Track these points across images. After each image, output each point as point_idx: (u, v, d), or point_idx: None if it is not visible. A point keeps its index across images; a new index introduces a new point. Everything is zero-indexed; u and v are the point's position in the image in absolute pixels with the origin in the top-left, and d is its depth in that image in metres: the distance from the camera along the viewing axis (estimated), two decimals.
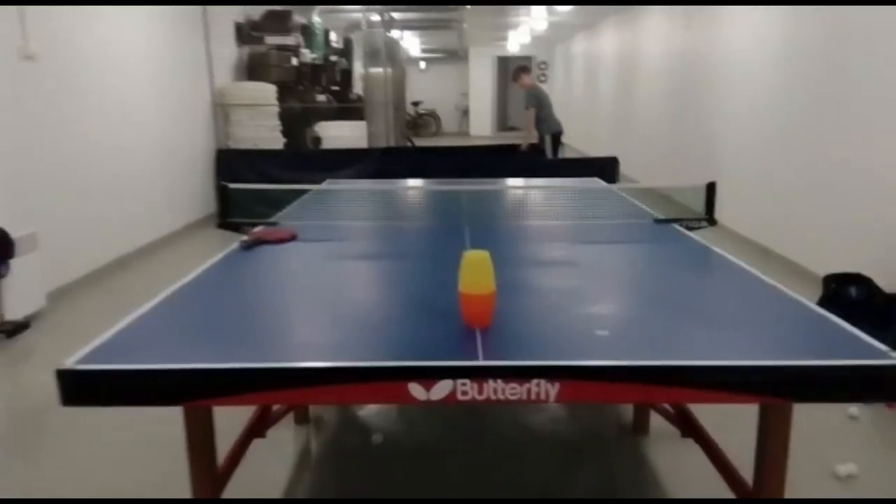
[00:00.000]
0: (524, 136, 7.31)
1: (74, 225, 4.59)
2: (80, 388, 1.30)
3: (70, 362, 1.29)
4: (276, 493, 2.29)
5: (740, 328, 1.50)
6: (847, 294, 3.41)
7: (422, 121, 17.64)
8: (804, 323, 1.55)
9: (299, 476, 2.42)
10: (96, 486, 2.33)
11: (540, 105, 7.19)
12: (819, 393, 1.34)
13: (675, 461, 2.40)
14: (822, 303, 3.40)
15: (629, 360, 1.31)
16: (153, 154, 5.86)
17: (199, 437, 1.59)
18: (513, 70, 7.89)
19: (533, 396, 1.30)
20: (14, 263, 3.72)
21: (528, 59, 17.18)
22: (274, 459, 2.48)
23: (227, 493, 1.73)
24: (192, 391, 1.31)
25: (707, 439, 1.93)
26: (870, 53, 4.02)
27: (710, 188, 2.66)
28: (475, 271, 1.47)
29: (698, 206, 2.64)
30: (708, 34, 6.77)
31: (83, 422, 2.71)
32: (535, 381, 1.29)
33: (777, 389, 1.32)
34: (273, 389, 1.32)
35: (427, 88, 18.05)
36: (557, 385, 1.29)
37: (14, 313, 3.75)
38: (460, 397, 1.30)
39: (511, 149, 7.32)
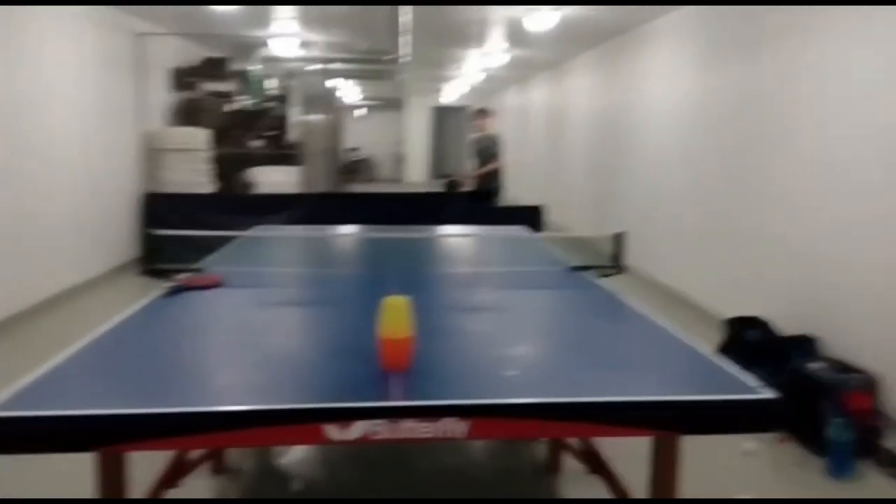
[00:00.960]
0: (478, 175, 6.91)
1: None
2: None
3: None
4: None
5: (634, 368, 1.65)
6: (746, 336, 3.68)
7: (358, 167, 17.80)
8: (691, 363, 1.71)
9: None
10: None
11: (498, 156, 6.89)
12: (701, 426, 1.48)
13: (584, 495, 2.50)
14: (724, 344, 3.66)
15: (532, 398, 1.42)
16: (74, 197, 5.70)
17: (111, 487, 1.57)
18: (476, 110, 7.25)
19: (445, 434, 1.38)
20: None
21: (463, 109, 17.73)
22: None
23: None
24: (105, 437, 1.32)
25: (611, 474, 2.05)
26: (772, 118, 4.44)
27: (618, 238, 2.87)
28: (394, 316, 1.56)
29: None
30: (626, 89, 7.27)
31: None
32: (446, 419, 1.37)
33: (664, 423, 1.45)
34: (188, 434, 1.35)
35: (364, 135, 18.29)
36: (468, 422, 1.38)
37: None
38: (375, 437, 1.36)
39: (443, 196, 7.52)
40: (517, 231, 3.86)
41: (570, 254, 2.99)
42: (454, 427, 1.38)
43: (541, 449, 2.84)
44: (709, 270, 5.17)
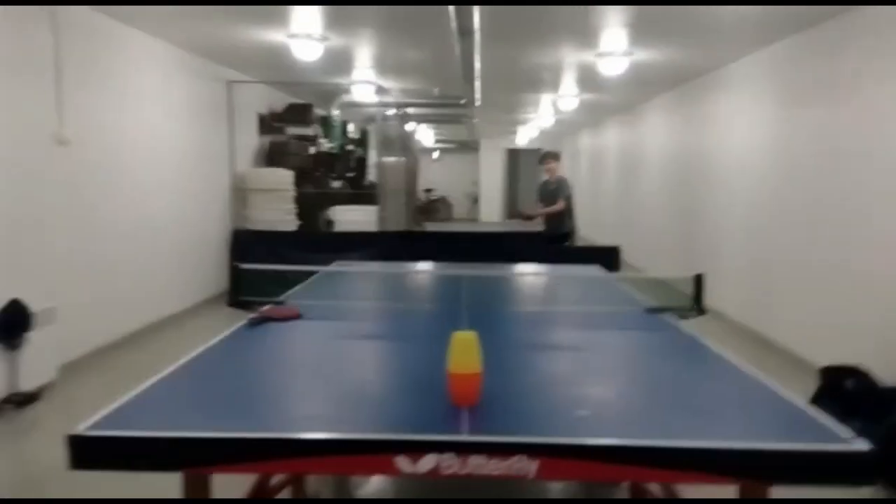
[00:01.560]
0: (540, 213, 6.86)
1: (90, 300, 4.75)
2: (88, 452, 1.39)
3: (80, 428, 1.39)
4: None
5: (717, 413, 1.58)
6: (844, 386, 3.43)
7: (433, 206, 18.10)
8: (778, 410, 1.62)
9: None
10: None
11: (571, 198, 6.75)
12: (790, 476, 1.39)
13: None
14: (819, 394, 3.42)
15: (606, 440, 1.39)
16: (171, 234, 6.11)
17: None
18: (544, 154, 7.05)
19: (514, 472, 1.37)
20: (30, 335, 3.85)
21: (536, 151, 17.80)
22: None
23: None
24: (191, 458, 1.40)
25: None
26: (860, 152, 4.23)
27: (698, 279, 2.78)
28: (462, 351, 1.57)
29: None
30: (704, 131, 7.10)
31: (85, 492, 2.74)
32: (515, 456, 1.36)
33: (752, 471, 1.38)
34: (266, 459, 1.40)
35: (440, 176, 18.65)
36: (537, 461, 1.36)
37: (26, 384, 3.84)
38: (444, 471, 1.37)
39: (517, 236, 7.53)
40: (591, 270, 3.81)
41: (647, 296, 2.92)
42: (523, 465, 1.36)
43: (621, 495, 2.73)
44: (801, 315, 4.88)
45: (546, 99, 9.76)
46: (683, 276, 2.89)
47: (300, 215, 7.89)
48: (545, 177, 7.13)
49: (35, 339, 3.88)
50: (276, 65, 7.04)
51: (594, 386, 1.79)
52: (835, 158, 4.48)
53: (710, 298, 2.74)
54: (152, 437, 1.39)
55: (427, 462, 1.36)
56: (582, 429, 1.48)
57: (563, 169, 7.15)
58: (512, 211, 6.90)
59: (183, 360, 1.87)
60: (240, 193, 7.52)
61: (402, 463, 1.36)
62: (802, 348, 4.72)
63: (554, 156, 6.98)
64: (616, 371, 1.99)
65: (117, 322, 5.12)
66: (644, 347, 2.23)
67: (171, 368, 1.80)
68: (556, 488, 2.90)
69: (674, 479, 1.37)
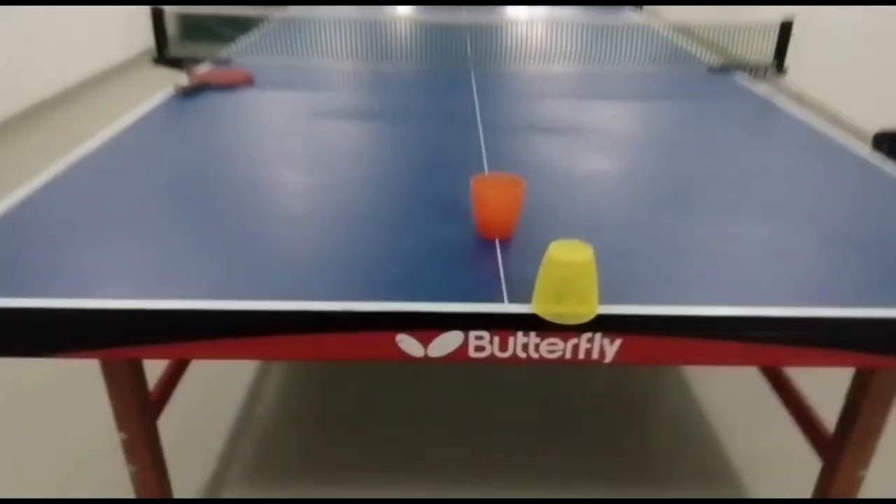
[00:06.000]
0: None
1: None
2: None
3: None
4: (224, 429, 1.74)
5: (845, 243, 1.06)
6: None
7: None
8: None
9: (252, 405, 1.83)
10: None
11: None
12: None
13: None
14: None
15: (723, 308, 0.89)
16: None
17: (121, 394, 1.18)
18: None
19: (581, 356, 0.90)
20: None
21: None
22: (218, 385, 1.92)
23: (161, 423, 1.32)
24: (112, 337, 0.88)
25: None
26: None
27: (785, 29, 2.09)
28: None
29: (766, 52, 2.09)
30: None
31: None
32: (585, 335, 0.87)
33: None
34: (198, 339, 0.89)
35: None
36: (619, 340, 0.88)
37: None
38: (473, 354, 0.89)
39: None
40: (628, 14, 3.03)
41: (703, 50, 2.25)
42: (596, 347, 0.89)
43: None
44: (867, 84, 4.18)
45: None
46: (761, 24, 2.19)
47: None
48: None
49: None
50: None
51: (681, 201, 1.22)
52: None
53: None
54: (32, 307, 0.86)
55: (447, 342, 0.87)
56: (688, 287, 0.96)
57: None
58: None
59: (80, 152, 1.28)
60: None
61: (407, 345, 0.88)
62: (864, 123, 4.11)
63: None
64: (692, 171, 1.39)
65: (24, 88, 4.14)
66: (727, 129, 1.62)
67: (60, 166, 1.22)
68: None
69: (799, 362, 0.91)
